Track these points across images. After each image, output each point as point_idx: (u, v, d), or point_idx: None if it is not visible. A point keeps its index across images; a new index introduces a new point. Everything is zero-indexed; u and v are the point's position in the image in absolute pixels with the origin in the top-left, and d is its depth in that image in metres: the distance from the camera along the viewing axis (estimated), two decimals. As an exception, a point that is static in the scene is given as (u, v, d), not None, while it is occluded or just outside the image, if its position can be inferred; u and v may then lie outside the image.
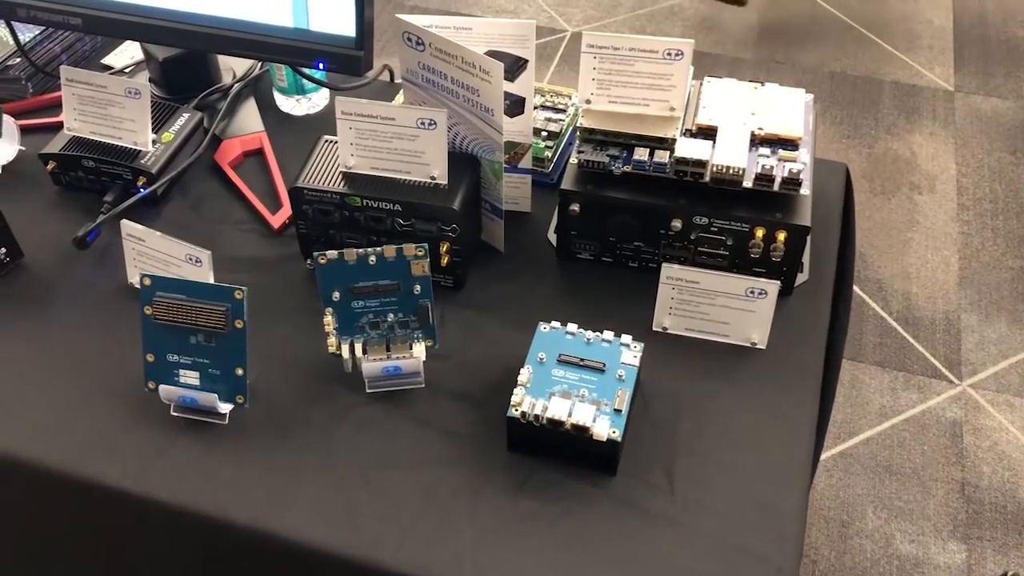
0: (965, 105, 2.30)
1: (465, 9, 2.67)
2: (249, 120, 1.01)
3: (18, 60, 1.02)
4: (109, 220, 0.87)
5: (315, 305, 0.79)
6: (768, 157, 0.79)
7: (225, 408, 0.72)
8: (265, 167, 0.97)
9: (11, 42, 1.03)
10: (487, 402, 0.74)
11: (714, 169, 0.77)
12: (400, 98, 0.99)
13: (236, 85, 1.03)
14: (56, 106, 1.02)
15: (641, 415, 0.73)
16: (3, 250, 0.84)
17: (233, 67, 1.05)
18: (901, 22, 2.62)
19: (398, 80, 0.98)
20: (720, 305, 0.77)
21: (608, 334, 0.73)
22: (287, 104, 1.04)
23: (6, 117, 0.93)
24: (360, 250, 0.71)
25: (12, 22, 0.94)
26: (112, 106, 0.88)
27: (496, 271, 0.85)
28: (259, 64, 1.06)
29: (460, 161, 0.81)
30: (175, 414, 0.73)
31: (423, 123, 0.76)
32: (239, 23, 0.81)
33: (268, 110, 1.04)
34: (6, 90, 1.02)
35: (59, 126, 0.95)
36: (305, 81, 1.01)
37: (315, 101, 1.04)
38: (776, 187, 0.77)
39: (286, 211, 0.91)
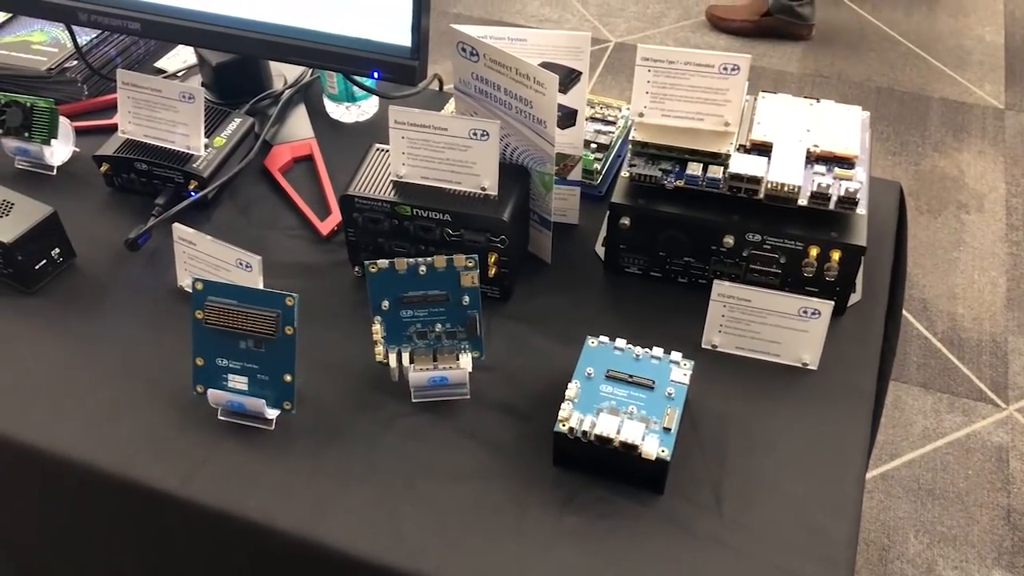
0: (1016, 123, 2.26)
1: (508, 18, 2.68)
2: (299, 126, 1.02)
3: (75, 63, 1.04)
4: (160, 223, 0.88)
5: (362, 312, 0.79)
6: (824, 175, 0.78)
7: (272, 414, 0.73)
8: (314, 173, 0.98)
9: (69, 45, 1.04)
10: (533, 415, 0.74)
11: (769, 186, 0.76)
12: (450, 107, 1.00)
13: (287, 91, 1.04)
14: (110, 108, 1.04)
15: (689, 433, 0.72)
16: (57, 250, 0.84)
17: (284, 73, 1.06)
18: (951, 38, 2.58)
19: (447, 88, 0.99)
20: (772, 324, 0.76)
21: (657, 351, 0.72)
22: (337, 111, 1.04)
23: (62, 119, 0.94)
24: (411, 260, 0.71)
25: (72, 26, 0.95)
26: (166, 110, 0.89)
27: (543, 283, 0.85)
28: (310, 71, 1.06)
29: (510, 172, 0.80)
30: (222, 418, 0.74)
31: (476, 134, 0.76)
32: (295, 30, 0.82)
33: (318, 116, 1.04)
34: (62, 92, 1.04)
35: (113, 128, 0.96)
36: (355, 88, 1.01)
37: (364, 109, 1.04)
38: (832, 206, 0.76)
39: (335, 218, 0.91)
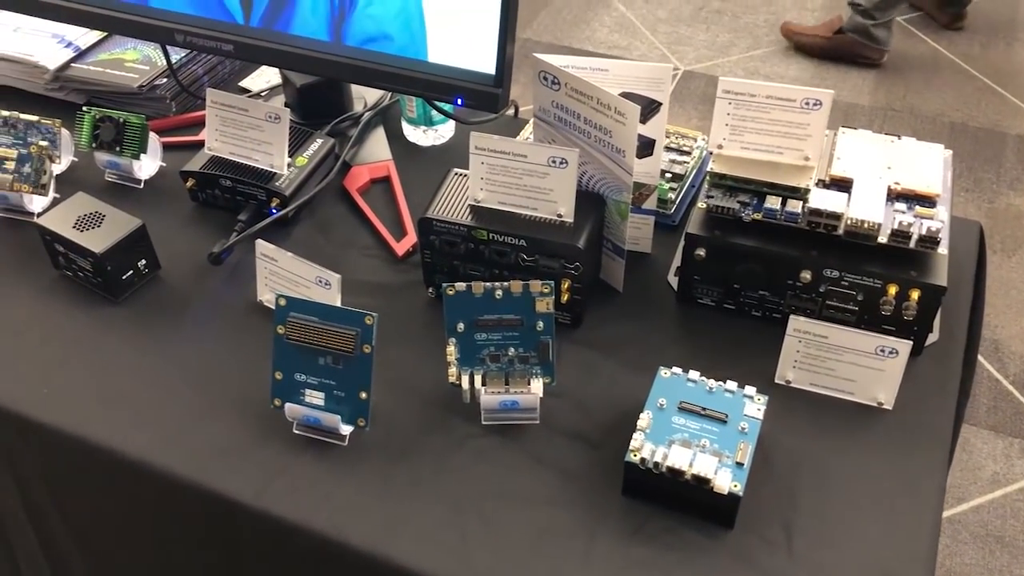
0: (1096, 163, 2.20)
1: (577, 44, 2.69)
2: (377, 148, 1.04)
3: (164, 80, 1.07)
4: (242, 239, 0.90)
5: (435, 333, 0.80)
6: (904, 213, 0.77)
7: (346, 430, 0.74)
8: (391, 194, 1.00)
9: (159, 63, 1.08)
10: (602, 443, 0.74)
11: (849, 222, 0.76)
12: (525, 132, 1.01)
13: (367, 114, 1.06)
14: (196, 125, 1.07)
15: (760, 468, 0.71)
16: (143, 261, 0.87)
17: (364, 96, 1.08)
18: (1029, 74, 2.53)
19: (524, 106, 1.00)
20: (848, 362, 0.75)
21: (731, 384, 0.72)
22: (414, 134, 1.06)
23: (151, 135, 0.98)
24: (487, 284, 0.72)
25: (166, 45, 0.99)
26: (252, 129, 0.92)
27: (614, 311, 0.85)
28: (390, 94, 1.08)
29: (586, 199, 0.81)
30: (297, 432, 0.75)
31: (554, 161, 0.77)
32: (381, 56, 0.83)
33: (396, 139, 1.06)
34: (152, 108, 1.07)
35: (198, 144, 0.99)
36: (433, 112, 1.03)
37: (441, 132, 1.06)
38: (912, 244, 0.75)
39: (410, 239, 0.93)
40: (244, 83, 1.15)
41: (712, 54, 2.68)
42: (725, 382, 0.72)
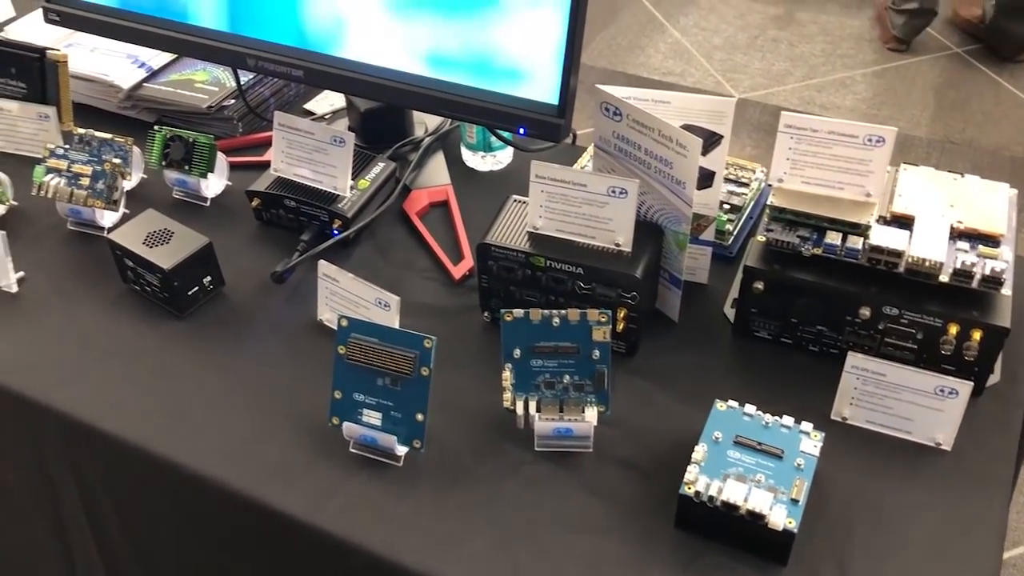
0: None
1: (632, 70, 2.70)
2: (437, 172, 1.06)
3: (232, 102, 1.10)
4: (304, 258, 0.92)
5: (490, 357, 0.81)
6: (967, 252, 0.76)
7: (402, 451, 0.75)
8: (449, 218, 1.01)
9: (228, 84, 1.11)
10: (655, 474, 0.74)
11: (910, 260, 0.75)
12: (583, 160, 1.02)
13: (427, 139, 1.08)
14: (261, 145, 1.10)
15: (815, 505, 0.71)
16: (209, 278, 0.90)
17: (425, 121, 1.10)
18: (1094, 109, 2.48)
19: (579, 130, 1.01)
20: (906, 401, 0.74)
21: (787, 419, 0.72)
22: (473, 159, 1.08)
23: (219, 154, 1.00)
24: (545, 311, 0.73)
25: (237, 69, 1.02)
26: (317, 152, 0.94)
27: (669, 341, 0.85)
28: (450, 120, 1.10)
29: (644, 229, 0.82)
30: (353, 451, 0.76)
31: (614, 191, 0.78)
32: (446, 84, 0.85)
33: (454, 163, 1.08)
34: (219, 128, 1.10)
35: (262, 164, 1.02)
36: (492, 138, 1.05)
37: (499, 158, 1.07)
38: (975, 284, 0.74)
39: (467, 263, 0.94)
40: (309, 105, 1.18)
41: (767, 82, 2.67)
42: (781, 417, 0.72)
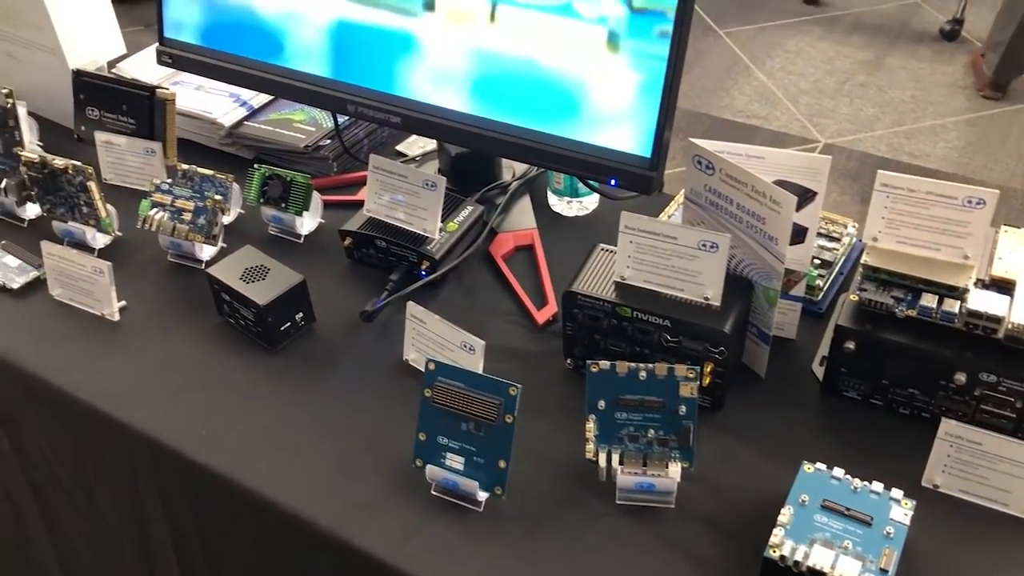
0: None
1: (716, 112, 2.69)
2: (523, 216, 1.07)
3: (328, 142, 1.14)
4: (393, 298, 0.94)
5: (572, 405, 0.81)
6: (1072, 320, 0.74)
7: (483, 496, 0.75)
8: (534, 263, 1.02)
9: (324, 125, 1.15)
10: (739, 534, 0.73)
11: (1010, 326, 0.73)
12: (671, 209, 1.02)
13: (515, 183, 1.09)
14: (354, 184, 1.13)
15: (903, 575, 0.69)
16: (300, 314, 0.92)
17: (513, 165, 1.12)
18: None
19: (669, 174, 1.01)
20: (1003, 471, 0.72)
21: (877, 485, 0.70)
22: (559, 205, 1.09)
23: (314, 193, 1.03)
24: (632, 364, 0.73)
25: (336, 113, 1.05)
26: (409, 195, 0.96)
27: (756, 397, 0.84)
28: (539, 165, 1.12)
29: (734, 283, 0.81)
30: (435, 493, 0.77)
31: (705, 245, 0.78)
32: (540, 135, 0.87)
33: (540, 208, 1.09)
34: (314, 167, 1.14)
35: (354, 204, 1.04)
36: (579, 184, 1.05)
37: (586, 204, 1.08)
38: (1080, 354, 0.72)
39: (551, 308, 0.95)
40: (400, 147, 1.20)
41: (855, 128, 2.63)
42: (871, 482, 0.70)
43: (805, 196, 0.81)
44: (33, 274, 1.00)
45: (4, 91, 1.03)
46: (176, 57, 1.06)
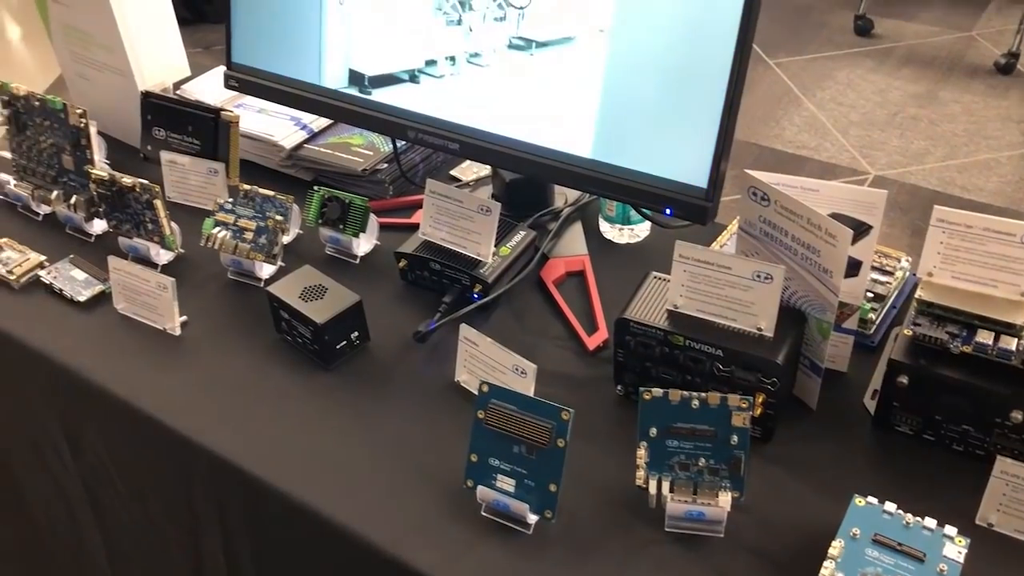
0: None
1: (765, 142, 2.69)
2: (574, 242, 1.08)
3: (385, 166, 1.16)
4: (447, 320, 0.96)
5: (622, 431, 0.82)
6: None
7: (532, 519, 0.76)
8: (585, 288, 1.03)
9: (382, 149, 1.17)
10: (788, 566, 0.73)
11: (1069, 366, 0.73)
12: (723, 238, 1.02)
13: (567, 209, 1.11)
14: (409, 207, 1.15)
15: (956, 615, 0.68)
16: (356, 333, 0.94)
17: (565, 192, 1.13)
18: None
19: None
20: (1060, 512, 0.71)
21: (930, 521, 0.70)
22: (611, 231, 1.10)
23: (371, 215, 1.06)
24: (684, 392, 0.73)
25: (396, 139, 1.08)
26: (464, 219, 0.98)
27: (806, 429, 0.84)
28: (591, 191, 1.13)
29: (787, 315, 0.81)
30: (485, 514, 0.78)
31: (759, 276, 0.78)
32: (596, 163, 0.88)
33: (592, 234, 1.10)
34: (370, 190, 1.16)
35: (409, 226, 1.06)
36: (631, 212, 1.07)
37: (637, 231, 1.09)
38: None
39: (601, 334, 0.96)
40: (455, 171, 1.22)
41: (905, 161, 2.61)
42: (923, 518, 0.70)
43: (860, 230, 0.81)
44: (99, 288, 1.03)
45: (78, 111, 1.07)
46: (243, 81, 1.09)
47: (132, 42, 1.19)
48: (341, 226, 1.05)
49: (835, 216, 0.80)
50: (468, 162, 1.24)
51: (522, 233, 1.03)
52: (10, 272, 1.05)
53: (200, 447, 0.87)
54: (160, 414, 0.90)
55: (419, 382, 0.92)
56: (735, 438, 0.73)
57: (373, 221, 1.06)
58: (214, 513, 0.92)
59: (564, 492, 0.77)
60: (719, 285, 0.80)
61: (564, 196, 1.13)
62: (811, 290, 0.80)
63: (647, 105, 0.85)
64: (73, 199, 1.10)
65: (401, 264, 1.03)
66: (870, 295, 0.92)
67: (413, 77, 0.99)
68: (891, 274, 0.95)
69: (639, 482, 0.75)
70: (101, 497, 1.08)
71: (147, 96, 1.17)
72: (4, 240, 1.10)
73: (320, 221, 1.06)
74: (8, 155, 1.17)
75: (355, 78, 1.03)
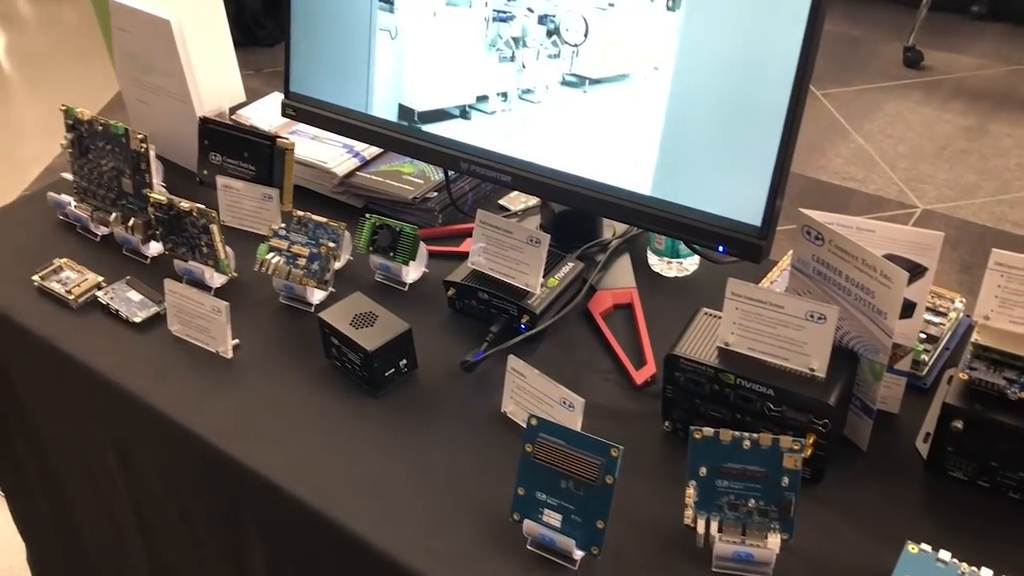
0: None
1: (811, 173, 2.67)
2: (622, 275, 1.08)
3: (435, 194, 1.17)
4: (495, 351, 0.96)
5: (669, 468, 0.82)
6: None
7: (578, 555, 0.76)
8: (632, 321, 1.03)
9: (432, 177, 1.19)
10: (838, 612, 0.72)
11: None
12: (774, 274, 1.02)
13: (615, 241, 1.11)
14: (457, 236, 1.16)
15: (1012, 669, 0.67)
16: (404, 361, 0.95)
17: (614, 224, 1.13)
18: None
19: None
20: (1122, 567, 0.69)
21: (986, 572, 0.68)
22: (659, 265, 1.10)
23: (420, 243, 1.07)
24: (736, 432, 0.73)
25: (448, 169, 1.09)
26: (513, 250, 0.98)
27: (857, 471, 0.83)
28: (639, 223, 1.13)
29: (839, 355, 0.81)
30: (530, 548, 0.78)
31: (812, 316, 0.78)
32: (650, 200, 0.88)
33: (640, 266, 1.10)
34: (421, 217, 1.17)
35: (458, 255, 1.07)
36: (681, 246, 1.06)
37: (686, 265, 1.09)
38: None
39: (649, 368, 0.95)
40: (503, 201, 1.23)
41: (954, 195, 2.58)
42: (979, 569, 0.69)
43: (915, 271, 0.80)
44: (154, 309, 1.05)
45: (139, 137, 1.10)
46: (300, 110, 1.11)
47: (192, 69, 1.22)
48: (391, 253, 1.06)
49: (890, 257, 0.79)
50: (516, 191, 1.25)
51: (570, 264, 1.04)
52: (69, 292, 1.07)
53: (248, 470, 0.88)
54: (209, 436, 0.91)
55: (466, 412, 0.93)
56: (786, 480, 0.72)
57: (423, 249, 1.07)
58: (260, 536, 0.93)
59: (610, 528, 0.77)
60: (771, 324, 0.80)
61: (612, 228, 1.13)
62: (864, 331, 0.80)
63: (703, 142, 0.85)
64: (131, 221, 1.13)
65: (449, 293, 1.03)
66: (923, 336, 0.91)
67: (464, 113, 1.01)
68: (944, 315, 0.94)
69: (687, 521, 0.75)
70: (147, 515, 1.10)
71: (205, 122, 1.20)
72: (64, 260, 1.12)
73: (371, 248, 1.07)
74: (70, 177, 1.20)
75: (404, 113, 1.04)
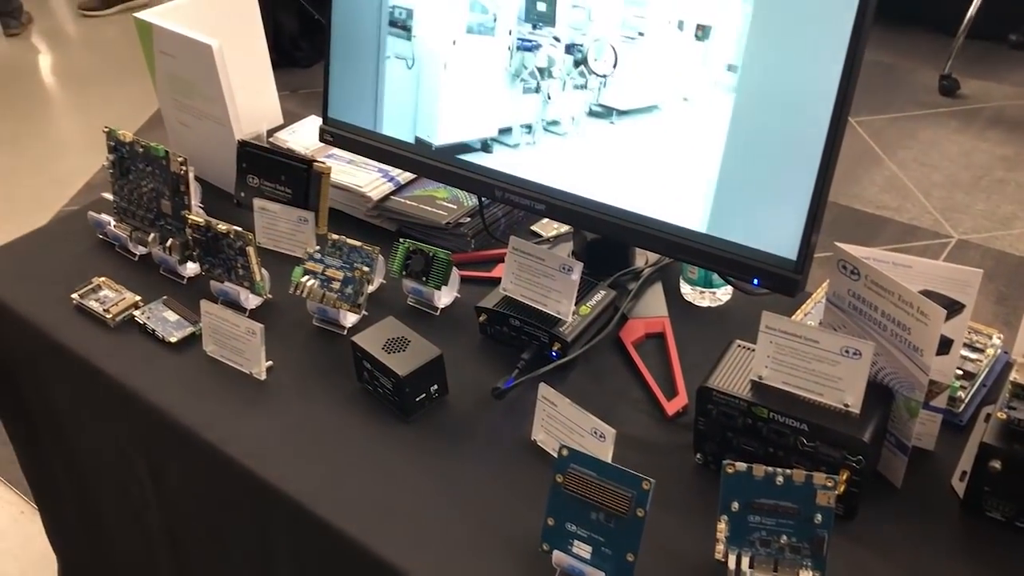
0: None
1: (844, 200, 2.65)
2: (654, 303, 1.08)
3: (468, 219, 1.18)
4: (526, 379, 0.96)
5: (699, 500, 0.81)
6: None
7: (608, 587, 0.75)
8: (664, 351, 1.02)
9: (466, 203, 1.19)
10: (871, 653, 0.71)
11: None
12: (808, 306, 1.01)
13: (648, 270, 1.11)
14: (489, 261, 1.16)
15: None
16: (435, 386, 0.95)
17: (646, 252, 1.13)
18: None
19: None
20: None
21: (1024, 617, 0.67)
22: (692, 294, 1.09)
23: (453, 268, 1.07)
24: (769, 468, 0.72)
25: (482, 196, 1.09)
26: (546, 277, 0.99)
27: (891, 509, 0.82)
28: (672, 252, 1.13)
29: (874, 391, 0.80)
30: (559, 579, 0.78)
31: (847, 351, 0.77)
32: (683, 231, 0.88)
33: (672, 295, 1.10)
34: (453, 242, 1.18)
35: (489, 280, 1.07)
36: (714, 276, 1.06)
37: (719, 295, 1.09)
38: None
39: (681, 399, 0.95)
40: (535, 227, 1.24)
41: (991, 225, 2.54)
42: (1017, 613, 0.67)
43: (952, 308, 0.80)
44: (189, 330, 1.07)
45: (179, 159, 1.12)
46: (338, 136, 1.12)
47: (232, 93, 1.23)
48: (424, 278, 1.06)
49: (927, 293, 0.78)
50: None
51: (602, 292, 1.04)
52: (107, 311, 1.09)
53: (279, 492, 0.89)
54: (242, 457, 0.92)
55: (496, 439, 0.93)
56: (819, 517, 0.71)
57: (455, 274, 1.08)
58: (288, 557, 0.94)
59: (640, 561, 0.77)
60: (806, 358, 0.79)
61: (645, 256, 1.13)
62: (900, 367, 0.79)
63: (737, 175, 0.85)
64: (169, 242, 1.14)
65: (481, 319, 1.04)
66: (959, 372, 0.90)
67: (485, 146, 1.01)
68: (982, 351, 0.93)
69: (718, 556, 0.74)
70: (178, 532, 1.11)
71: (243, 145, 1.21)
72: (102, 279, 1.14)
73: (404, 273, 1.08)
74: (110, 197, 1.22)
75: (421, 146, 1.05)
